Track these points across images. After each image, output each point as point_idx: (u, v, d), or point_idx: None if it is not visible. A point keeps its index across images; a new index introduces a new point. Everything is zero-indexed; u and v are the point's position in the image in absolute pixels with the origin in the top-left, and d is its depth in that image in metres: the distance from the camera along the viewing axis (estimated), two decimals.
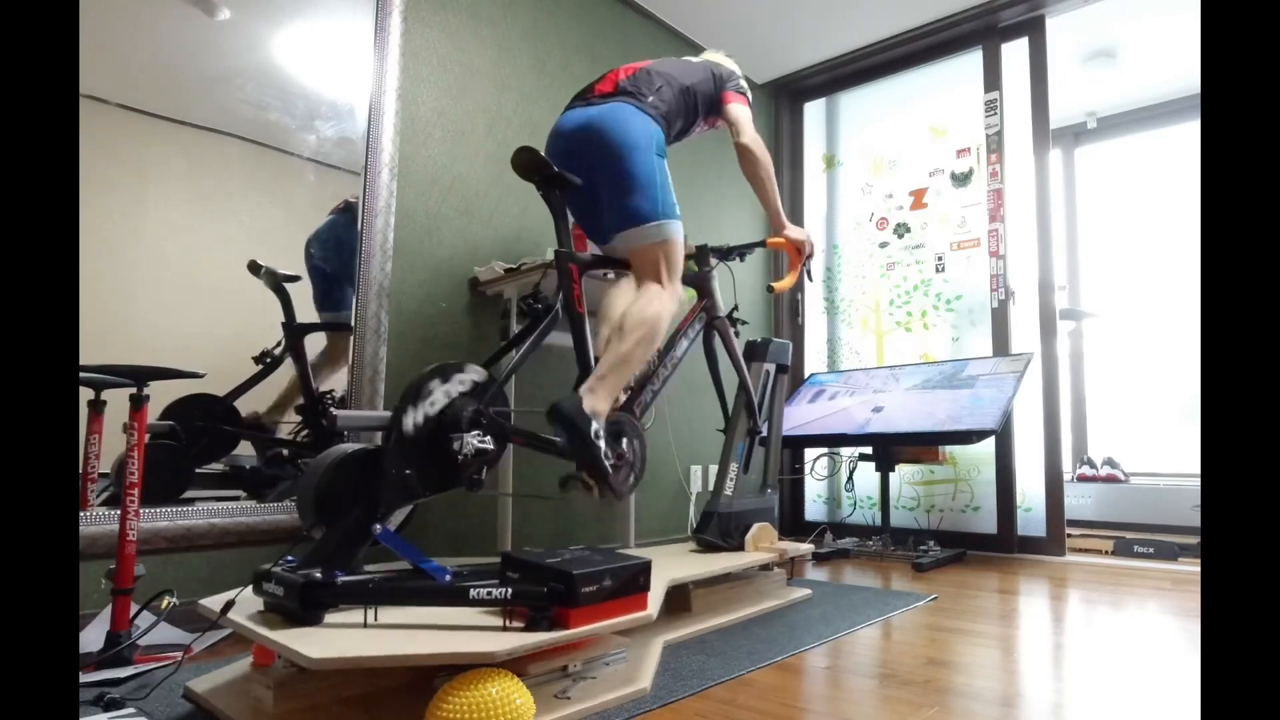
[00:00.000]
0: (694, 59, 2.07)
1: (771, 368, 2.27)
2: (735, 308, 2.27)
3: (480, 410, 1.51)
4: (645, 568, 1.34)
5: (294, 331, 2.01)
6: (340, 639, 1.11)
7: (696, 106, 1.97)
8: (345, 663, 1.05)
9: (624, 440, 1.71)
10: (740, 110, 1.99)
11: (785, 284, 2.14)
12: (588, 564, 1.27)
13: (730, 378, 2.19)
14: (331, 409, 1.76)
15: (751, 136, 1.97)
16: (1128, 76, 4.08)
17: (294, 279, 2.02)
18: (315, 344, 2.06)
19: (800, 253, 2.13)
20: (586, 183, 1.78)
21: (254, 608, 1.27)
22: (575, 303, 1.70)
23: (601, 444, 1.56)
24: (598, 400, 1.58)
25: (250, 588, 1.28)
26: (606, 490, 1.59)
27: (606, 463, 1.57)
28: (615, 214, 1.76)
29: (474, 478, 1.49)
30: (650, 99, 1.83)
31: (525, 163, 1.66)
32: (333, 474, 1.38)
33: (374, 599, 1.22)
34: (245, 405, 1.89)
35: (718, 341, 2.16)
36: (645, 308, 1.68)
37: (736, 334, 2.18)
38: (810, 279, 2.28)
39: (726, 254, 2.21)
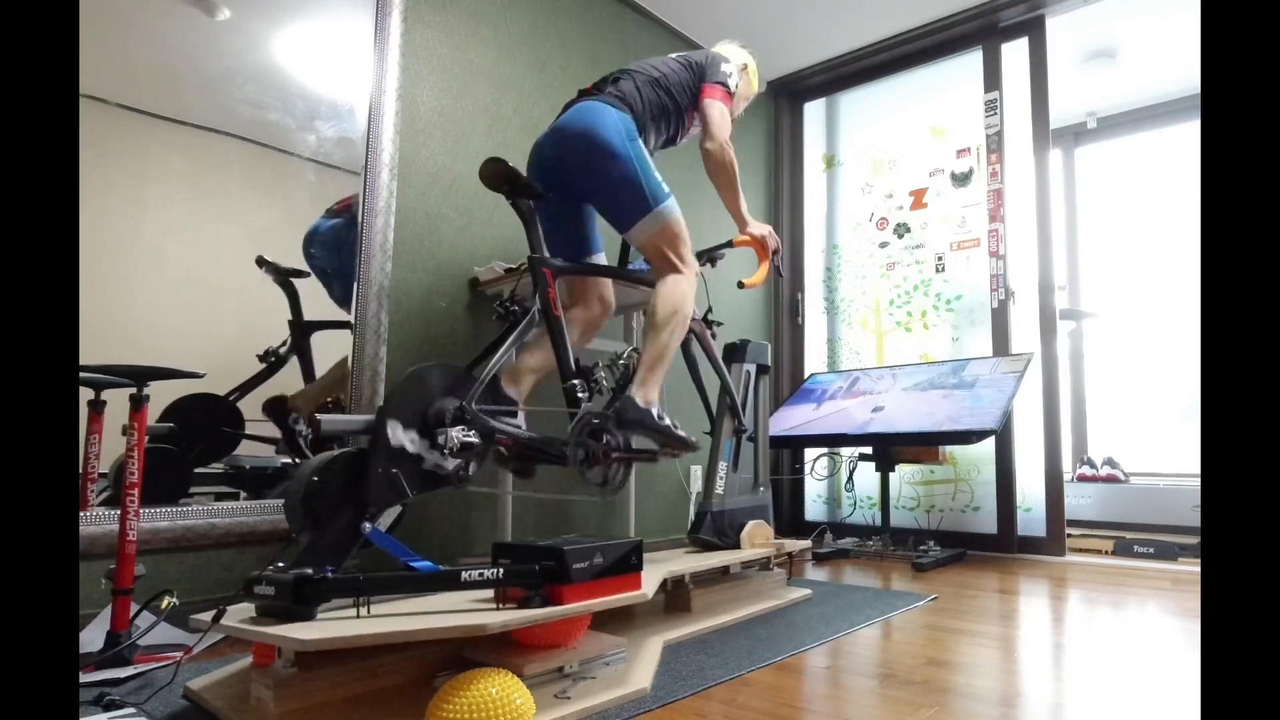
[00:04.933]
0: (673, 55, 2.05)
1: (752, 368, 2.28)
2: (709, 310, 2.28)
3: (463, 406, 1.52)
4: (636, 546, 1.37)
5: (301, 329, 2.01)
6: (334, 628, 1.12)
7: (672, 95, 1.91)
8: (339, 643, 1.05)
9: (604, 436, 1.72)
10: (714, 108, 1.90)
11: (756, 279, 2.14)
12: (578, 543, 1.30)
13: (711, 379, 2.20)
14: (317, 414, 1.75)
15: (718, 142, 1.89)
16: (1128, 76, 4.08)
17: (301, 274, 2.03)
18: (323, 351, 2.06)
19: (765, 248, 2.12)
20: (568, 191, 1.83)
21: (248, 613, 1.26)
22: (551, 305, 1.70)
23: (667, 419, 1.73)
24: (648, 391, 1.72)
25: (242, 595, 1.28)
26: (684, 449, 1.76)
27: (679, 431, 1.73)
28: (611, 217, 1.80)
29: (460, 473, 1.50)
30: (609, 89, 1.85)
31: (492, 173, 1.67)
32: (320, 476, 1.37)
33: (366, 590, 1.23)
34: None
35: (696, 345, 2.17)
36: (669, 297, 1.76)
37: (713, 336, 2.19)
38: (780, 274, 2.30)
39: (696, 259, 2.22)
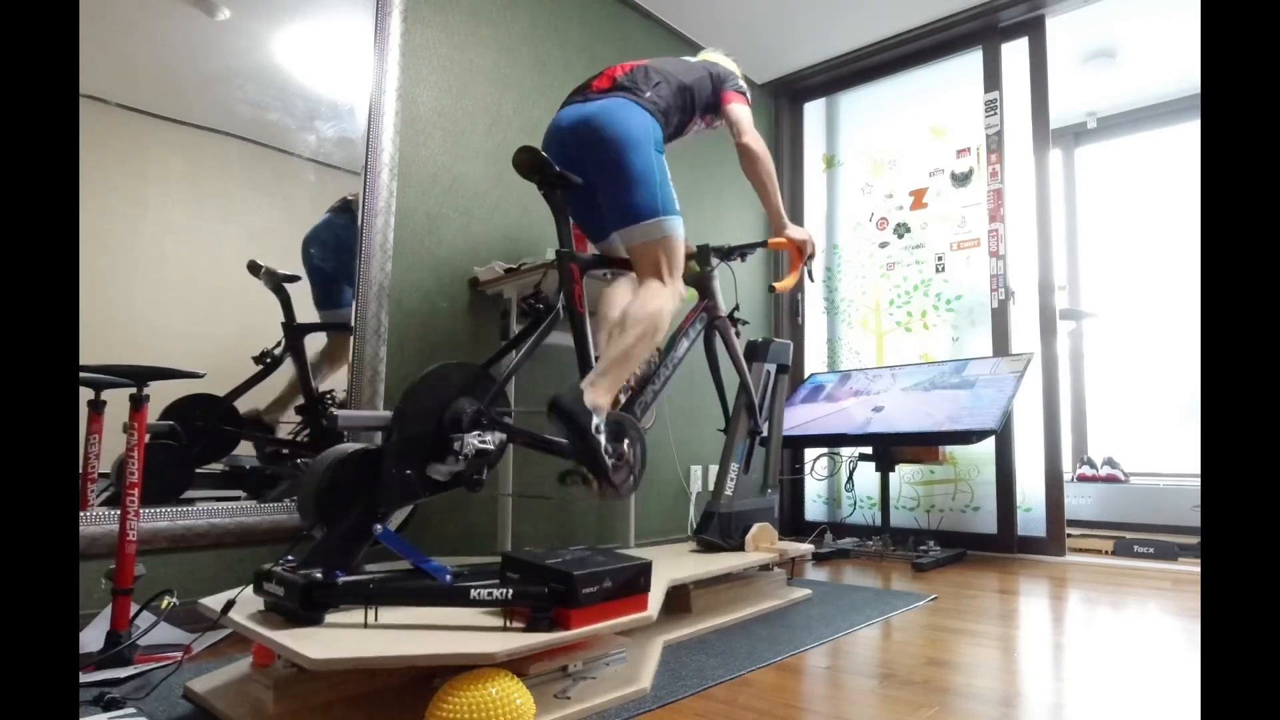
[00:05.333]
0: (691, 59, 2.07)
1: (772, 368, 2.26)
2: (736, 308, 2.27)
3: (481, 410, 1.51)
4: (645, 568, 1.34)
5: (294, 331, 2.01)
6: (340, 639, 1.11)
7: (693, 105, 1.96)
8: (346, 663, 1.05)
9: (624, 441, 1.71)
10: (741, 110, 1.99)
11: (787, 284, 2.14)
12: (588, 565, 1.27)
13: (731, 378, 2.19)
14: (332, 409, 1.74)
15: (753, 136, 1.96)
16: (1128, 76, 4.08)
17: (294, 279, 2.03)
18: (315, 344, 2.06)
19: (802, 253, 2.12)
20: (585, 180, 1.78)
21: (254, 608, 1.27)
22: (576, 302, 1.70)
23: (602, 439, 1.54)
24: (598, 394, 1.55)
25: (251, 588, 1.28)
26: (605, 486, 1.55)
27: (607, 459, 1.54)
28: (614, 210, 1.75)
29: (475, 478, 1.49)
30: (648, 94, 1.83)
31: (526, 162, 1.65)
32: (333, 473, 1.38)
33: (374, 599, 1.23)
34: (244, 403, 1.89)
35: (719, 342, 2.15)
36: (647, 304, 1.67)
37: (738, 334, 2.18)
38: (811, 279, 2.28)
39: (728, 254, 2.20)
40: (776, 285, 2.15)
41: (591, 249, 2.03)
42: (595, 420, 1.52)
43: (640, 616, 1.32)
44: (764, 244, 2.21)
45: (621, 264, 1.88)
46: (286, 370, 1.99)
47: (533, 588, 1.23)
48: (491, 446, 1.50)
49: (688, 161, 3.37)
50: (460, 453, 1.45)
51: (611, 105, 1.76)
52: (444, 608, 1.29)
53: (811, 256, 2.14)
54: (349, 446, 1.52)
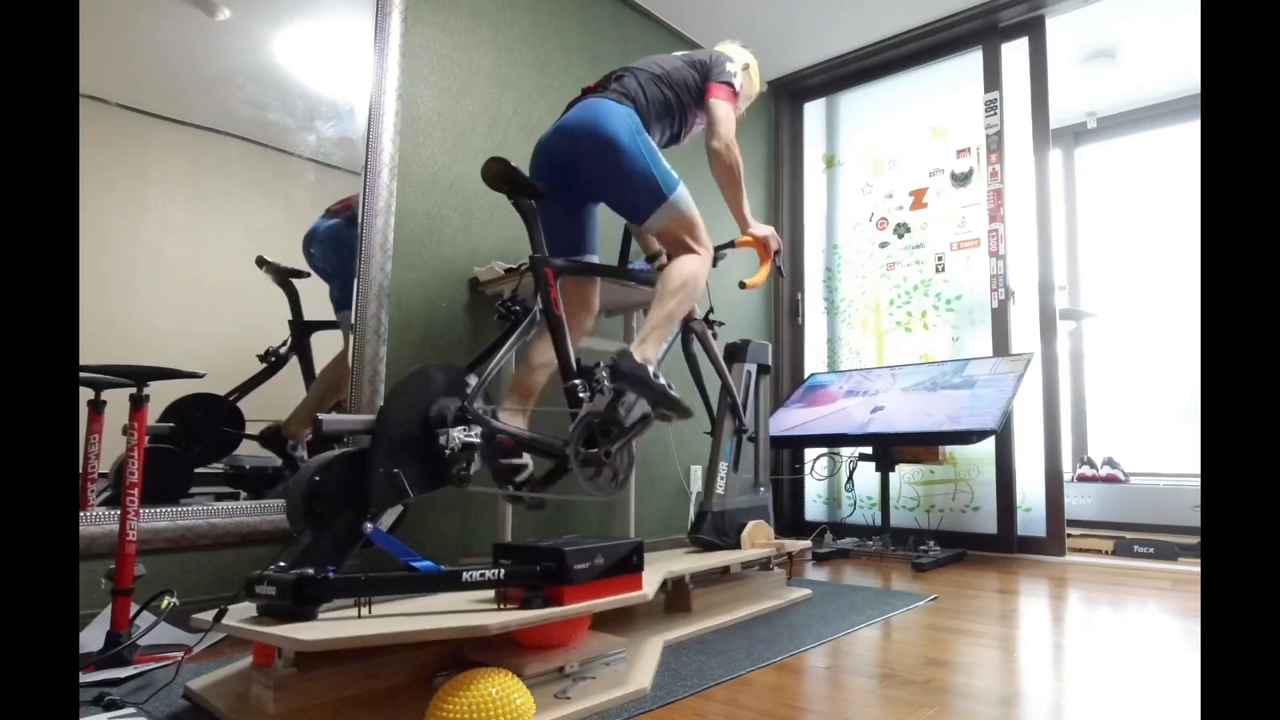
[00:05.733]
0: (677, 54, 2.06)
1: (753, 368, 2.29)
2: (710, 310, 2.27)
3: (465, 406, 1.52)
4: (637, 547, 1.37)
5: (301, 329, 2.01)
6: (335, 628, 1.12)
7: (676, 95, 1.94)
8: (340, 643, 1.05)
9: (610, 439, 1.71)
10: (721, 108, 1.93)
11: (757, 279, 2.15)
12: (579, 544, 1.30)
13: (712, 379, 2.20)
14: (318, 413, 1.72)
15: (724, 142, 1.91)
16: (1128, 76, 4.08)
17: (301, 274, 2.03)
18: (328, 347, 2.06)
19: (767, 249, 2.13)
20: (574, 190, 1.86)
21: (249, 613, 1.26)
22: (552, 305, 1.71)
23: (662, 379, 1.69)
24: (647, 349, 1.71)
25: (245, 596, 1.28)
26: (681, 411, 1.72)
27: (672, 392, 1.69)
28: (625, 212, 1.83)
29: (462, 473, 1.50)
30: (613, 87, 1.87)
31: (494, 173, 1.68)
32: (321, 476, 1.37)
33: (367, 590, 1.23)
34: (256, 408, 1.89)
35: (697, 345, 2.17)
36: (682, 268, 1.79)
37: (715, 336, 2.19)
38: (781, 275, 2.32)
39: None
40: (747, 282, 2.16)
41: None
42: (651, 369, 1.68)
43: (635, 595, 1.32)
44: (732, 244, 2.22)
45: (598, 271, 1.90)
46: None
47: (525, 567, 1.24)
48: (477, 440, 1.51)
49: (685, 162, 3.36)
50: (446, 448, 1.46)
51: (582, 108, 1.81)
52: (438, 597, 1.30)
53: (778, 252, 2.15)
54: (335, 451, 1.51)
